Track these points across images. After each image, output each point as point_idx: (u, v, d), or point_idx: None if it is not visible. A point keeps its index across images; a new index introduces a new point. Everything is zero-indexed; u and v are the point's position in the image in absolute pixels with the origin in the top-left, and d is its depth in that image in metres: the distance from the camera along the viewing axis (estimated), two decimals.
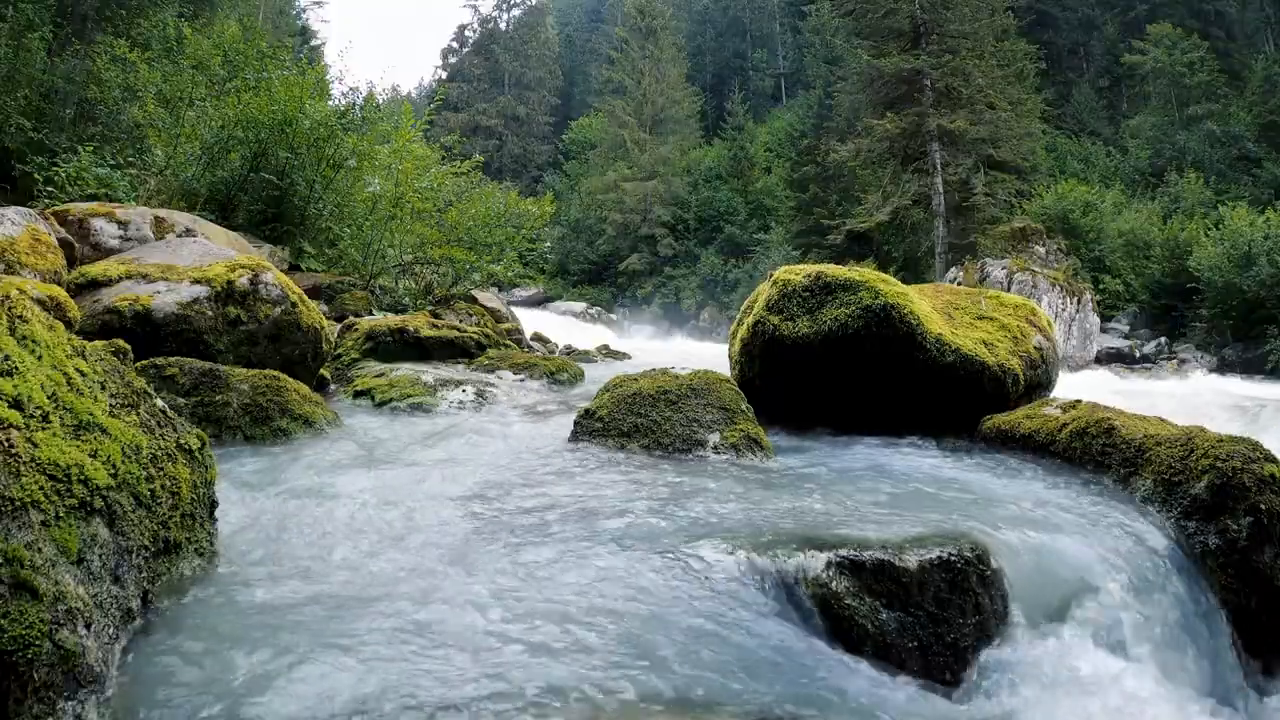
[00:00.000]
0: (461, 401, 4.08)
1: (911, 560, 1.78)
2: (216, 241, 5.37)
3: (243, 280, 3.92)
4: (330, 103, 10.24)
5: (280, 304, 3.97)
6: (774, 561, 1.80)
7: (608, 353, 10.45)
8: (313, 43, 38.11)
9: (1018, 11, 31.36)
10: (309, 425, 3.13)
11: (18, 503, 1.13)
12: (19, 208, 4.34)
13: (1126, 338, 23.59)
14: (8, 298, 1.41)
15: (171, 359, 3.11)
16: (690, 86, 44.48)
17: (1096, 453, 2.73)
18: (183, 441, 1.66)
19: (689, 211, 39.01)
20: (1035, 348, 3.82)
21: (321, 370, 4.42)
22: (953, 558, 1.81)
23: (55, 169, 8.28)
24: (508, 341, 7.32)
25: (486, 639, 1.46)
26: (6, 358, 1.29)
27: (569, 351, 9.26)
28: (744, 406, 3.22)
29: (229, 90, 9.08)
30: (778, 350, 3.51)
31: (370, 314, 7.23)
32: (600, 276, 40.52)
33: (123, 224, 5.48)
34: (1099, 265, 25.22)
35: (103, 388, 1.52)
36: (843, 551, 1.80)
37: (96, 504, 1.30)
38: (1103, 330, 23.18)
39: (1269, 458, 2.37)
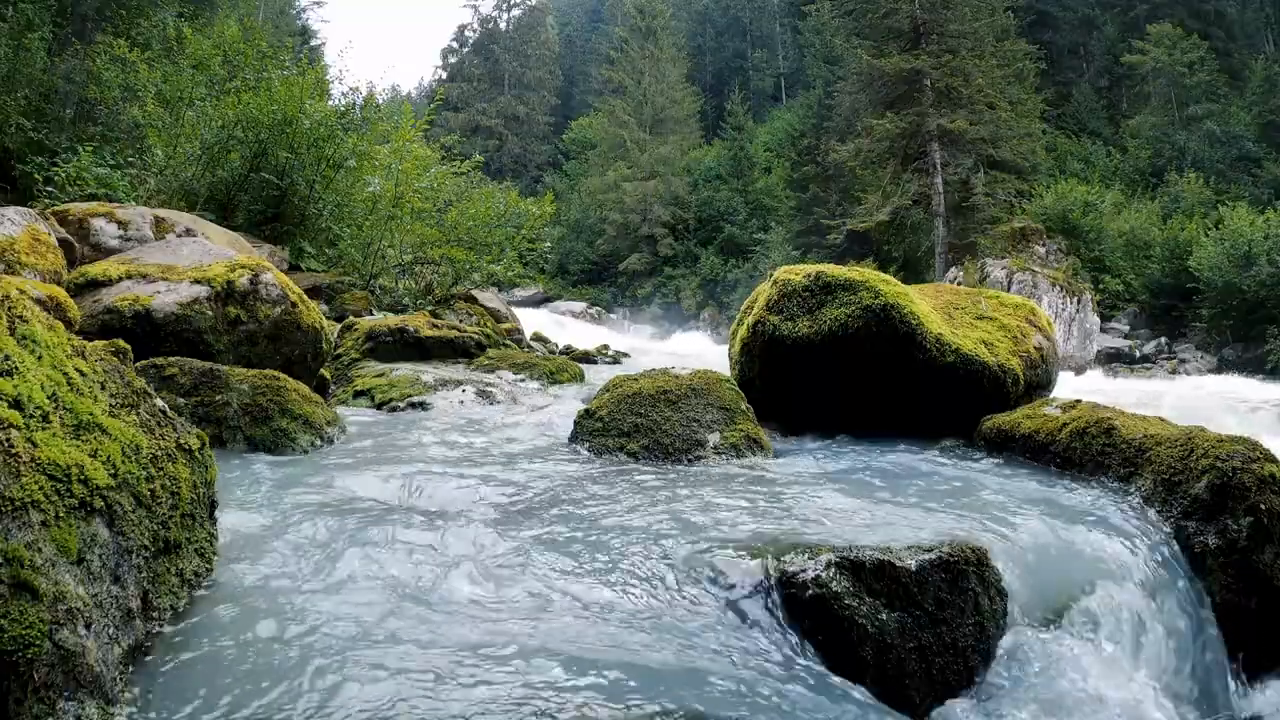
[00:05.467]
0: (461, 401, 4.08)
1: (911, 561, 1.78)
2: (216, 241, 5.37)
3: (243, 280, 3.91)
4: (330, 103, 10.23)
5: (280, 304, 3.97)
6: (774, 562, 1.80)
7: (607, 353, 10.46)
8: (313, 43, 38.05)
9: (1018, 11, 31.35)
10: (309, 425, 3.13)
11: (18, 503, 1.13)
12: (19, 208, 4.33)
13: (1126, 338, 23.61)
14: (8, 298, 1.41)
15: (171, 359, 3.11)
16: (690, 86, 44.46)
17: (1096, 453, 2.73)
18: (183, 441, 1.66)
19: (689, 211, 38.99)
20: (1035, 348, 3.82)
21: (322, 370, 4.41)
22: (952, 558, 1.81)
23: (55, 169, 8.28)
24: (508, 341, 7.32)
25: (475, 640, 1.46)
26: (6, 358, 1.29)
27: (569, 351, 9.26)
28: (744, 406, 3.22)
29: (229, 90, 9.07)
30: (778, 350, 3.51)
31: (370, 314, 7.23)
32: (600, 276, 40.51)
33: (123, 224, 5.48)
34: (1099, 265, 25.23)
35: (103, 388, 1.52)
36: (843, 551, 1.80)
37: (96, 504, 1.30)
38: (1103, 330, 23.20)
39: (1269, 457, 2.37)
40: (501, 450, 3.14)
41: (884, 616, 1.72)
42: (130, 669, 1.28)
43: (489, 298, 9.26)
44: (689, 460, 2.88)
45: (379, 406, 4.02)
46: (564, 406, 4.20)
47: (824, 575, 1.74)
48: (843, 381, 3.47)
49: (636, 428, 3.01)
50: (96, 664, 1.16)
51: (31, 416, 1.26)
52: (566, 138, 49.64)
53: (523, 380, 4.94)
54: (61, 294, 3.22)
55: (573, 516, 2.17)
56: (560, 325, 19.26)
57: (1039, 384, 3.84)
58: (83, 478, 1.28)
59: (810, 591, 1.72)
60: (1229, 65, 34.03)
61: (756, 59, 53.00)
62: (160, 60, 10.44)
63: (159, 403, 1.68)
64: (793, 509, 2.24)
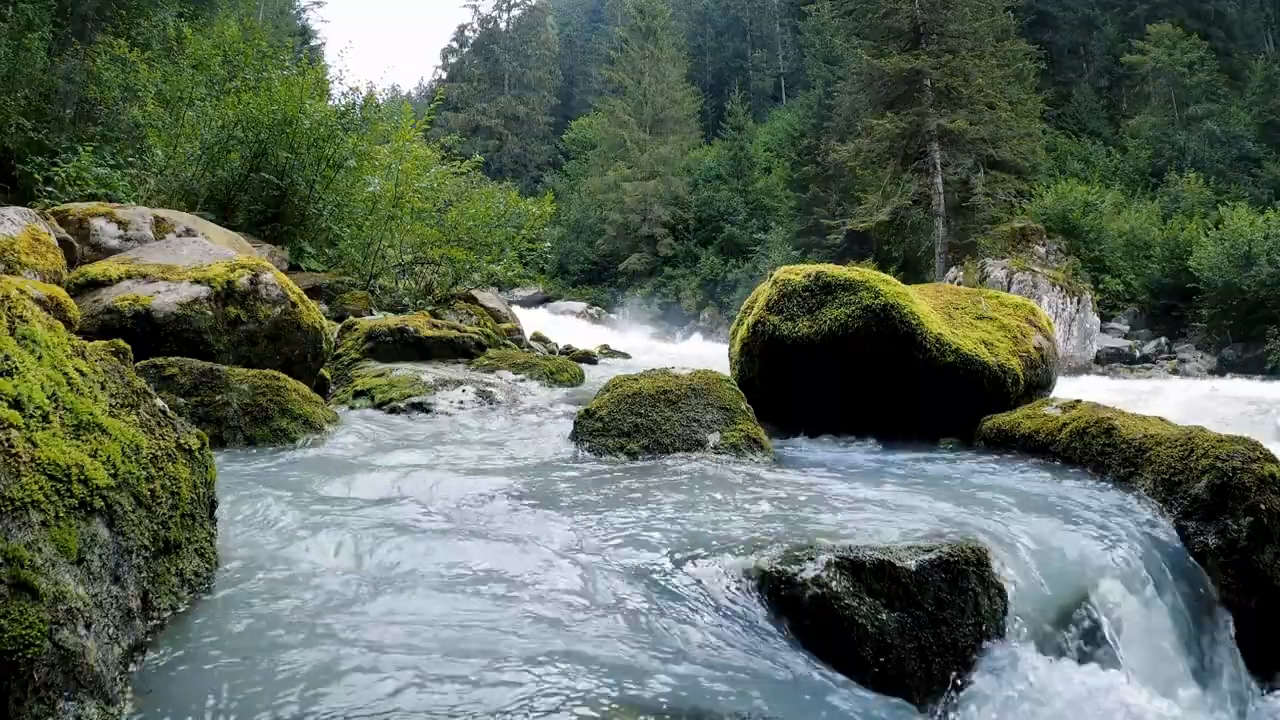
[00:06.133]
0: (461, 401, 4.08)
1: (911, 561, 1.78)
2: (216, 241, 5.37)
3: (243, 280, 3.91)
4: (330, 103, 10.22)
5: (280, 304, 3.97)
6: (773, 562, 1.80)
7: (607, 353, 10.47)
8: (313, 43, 38.03)
9: (1018, 11, 31.35)
10: (309, 425, 3.13)
11: (18, 503, 1.13)
12: (19, 208, 4.33)
13: (1126, 337, 23.62)
14: (8, 298, 1.41)
15: (171, 359, 3.12)
16: (690, 86, 44.48)
17: (1096, 453, 2.73)
18: (183, 441, 1.66)
19: (689, 211, 39.01)
20: (1035, 348, 3.82)
21: (322, 370, 4.41)
22: (952, 558, 1.81)
23: (55, 169, 8.28)
24: (508, 341, 7.32)
25: (474, 638, 1.46)
26: (6, 358, 1.29)
27: (569, 351, 9.25)
28: (744, 406, 3.22)
29: (229, 90, 9.07)
30: (778, 350, 3.52)
31: (370, 314, 7.23)
32: (600, 276, 40.52)
33: (123, 224, 5.48)
34: (1099, 265, 25.25)
35: (103, 388, 1.52)
36: (842, 551, 1.79)
37: (96, 504, 1.30)
38: (1102, 330, 23.21)
39: (1269, 457, 2.38)
40: (501, 450, 3.14)
41: (884, 616, 1.72)
42: (130, 669, 1.28)
43: (489, 298, 9.26)
44: (689, 460, 2.87)
45: (379, 406, 4.02)
46: (564, 406, 4.20)
47: (824, 575, 1.74)
48: (843, 381, 3.47)
49: (636, 428, 3.01)
50: (96, 664, 1.16)
51: (31, 416, 1.25)
52: (566, 138, 49.65)
53: (523, 380, 4.94)
54: (61, 294, 3.22)
55: (572, 516, 2.17)
56: (560, 325, 19.28)
57: (1039, 384, 3.84)
58: (83, 478, 1.28)
59: (810, 591, 1.72)
60: (1229, 65, 34.04)
61: (756, 59, 53.02)
62: (160, 60, 10.44)
63: (159, 403, 1.68)
64: (792, 509, 2.24)
